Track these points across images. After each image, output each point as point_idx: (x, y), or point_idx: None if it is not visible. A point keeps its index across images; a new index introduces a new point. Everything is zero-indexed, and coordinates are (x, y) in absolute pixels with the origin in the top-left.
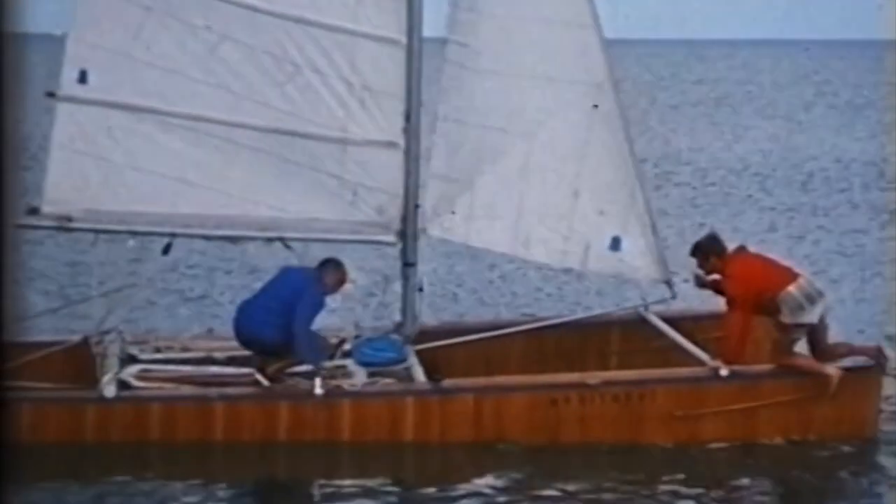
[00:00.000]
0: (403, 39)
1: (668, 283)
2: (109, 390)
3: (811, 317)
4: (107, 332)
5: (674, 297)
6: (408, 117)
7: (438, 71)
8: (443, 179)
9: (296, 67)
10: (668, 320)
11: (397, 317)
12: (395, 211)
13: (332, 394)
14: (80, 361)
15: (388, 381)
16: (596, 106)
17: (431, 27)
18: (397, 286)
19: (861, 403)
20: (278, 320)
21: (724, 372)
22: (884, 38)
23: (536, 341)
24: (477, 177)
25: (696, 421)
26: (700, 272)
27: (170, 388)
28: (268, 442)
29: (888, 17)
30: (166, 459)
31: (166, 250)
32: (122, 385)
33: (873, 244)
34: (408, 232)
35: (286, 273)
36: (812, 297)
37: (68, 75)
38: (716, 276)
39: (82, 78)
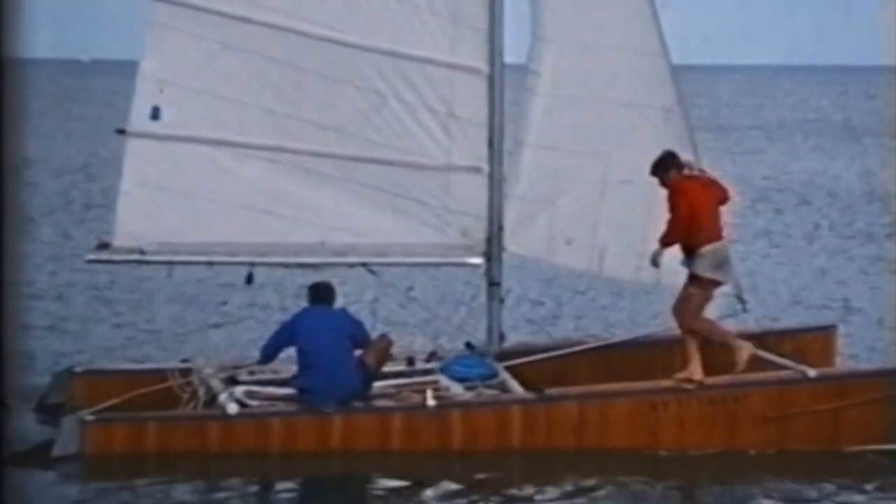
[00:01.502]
0: (486, 68)
1: (740, 297)
2: (231, 408)
3: (726, 278)
4: (186, 360)
5: (745, 310)
6: (491, 143)
7: (518, 97)
8: (522, 200)
9: (380, 97)
10: None
11: (467, 336)
12: (479, 233)
13: (444, 405)
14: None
15: (491, 392)
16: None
17: (514, 54)
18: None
19: None
20: (352, 364)
21: (812, 374)
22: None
23: (604, 358)
24: (556, 198)
25: (785, 422)
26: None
27: (284, 405)
28: (382, 451)
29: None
30: (286, 468)
31: (249, 280)
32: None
33: None
34: (492, 253)
35: (323, 319)
36: (730, 260)
37: (140, 111)
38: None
39: (155, 114)
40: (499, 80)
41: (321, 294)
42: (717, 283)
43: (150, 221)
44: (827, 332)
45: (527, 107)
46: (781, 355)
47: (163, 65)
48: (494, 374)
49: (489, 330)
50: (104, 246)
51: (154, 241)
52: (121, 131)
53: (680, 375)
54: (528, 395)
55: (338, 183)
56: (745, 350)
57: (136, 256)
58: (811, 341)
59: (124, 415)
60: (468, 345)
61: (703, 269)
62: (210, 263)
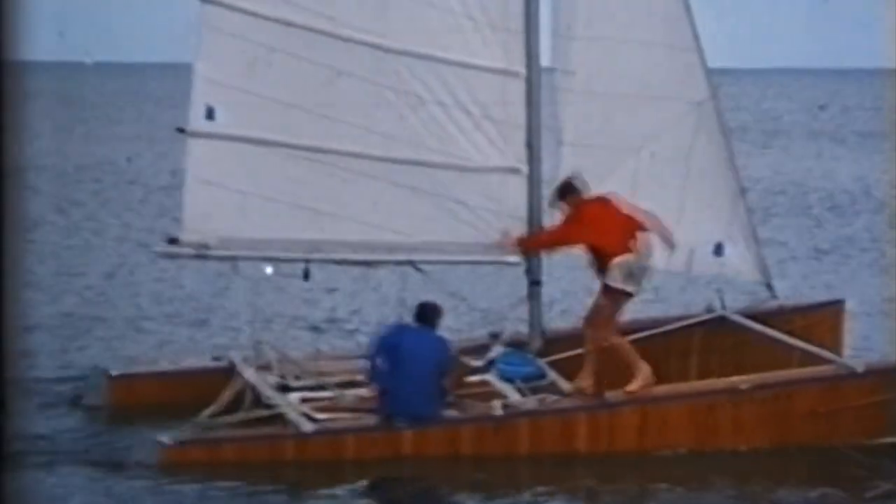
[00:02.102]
0: (523, 71)
1: (769, 286)
2: (307, 426)
3: (637, 289)
4: (218, 358)
5: (774, 297)
6: (529, 144)
7: (552, 98)
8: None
9: (419, 100)
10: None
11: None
12: (520, 233)
13: (511, 414)
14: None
15: (552, 397)
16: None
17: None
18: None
19: None
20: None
21: (860, 369)
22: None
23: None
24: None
25: (836, 417)
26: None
27: (348, 418)
28: (452, 461)
29: None
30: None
31: (306, 275)
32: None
33: None
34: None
35: (423, 342)
36: (644, 272)
37: (196, 112)
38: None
39: (209, 114)
40: (536, 83)
41: (427, 315)
42: (628, 295)
43: (212, 217)
44: (836, 307)
45: (562, 107)
46: (791, 333)
47: (213, 66)
48: (542, 375)
49: (531, 327)
50: (173, 241)
51: (217, 237)
52: (181, 130)
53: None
54: (591, 402)
55: (380, 184)
56: (645, 373)
57: (202, 251)
58: (820, 319)
59: (199, 437)
60: (493, 335)
61: (614, 281)
62: (267, 259)
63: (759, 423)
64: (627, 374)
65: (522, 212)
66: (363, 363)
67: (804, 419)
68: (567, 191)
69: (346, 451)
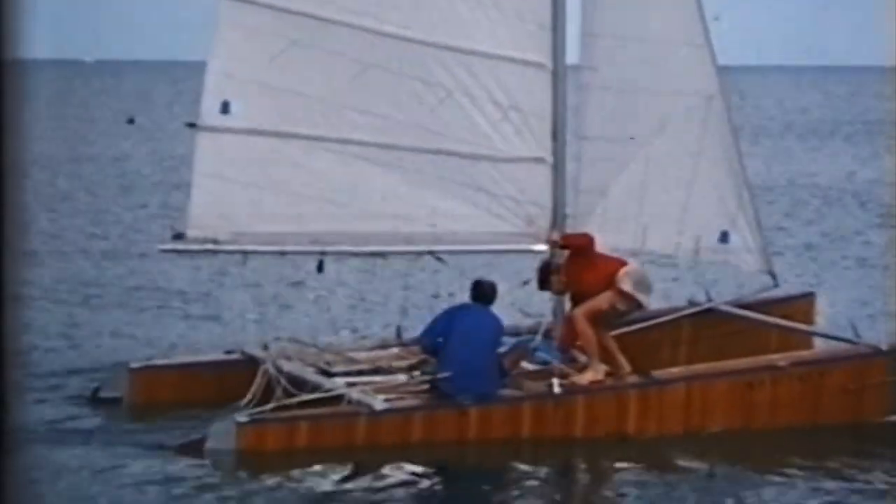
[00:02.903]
0: (549, 63)
1: (772, 273)
2: (378, 404)
3: (647, 300)
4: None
5: (776, 285)
6: (554, 135)
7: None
8: (585, 191)
9: (447, 91)
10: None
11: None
12: (544, 222)
13: (569, 391)
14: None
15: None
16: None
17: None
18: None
19: None
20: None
21: (884, 346)
22: None
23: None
24: (609, 184)
25: (862, 394)
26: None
27: (407, 399)
28: (513, 438)
29: None
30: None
31: (320, 268)
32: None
33: None
34: None
35: (481, 319)
36: (651, 285)
37: (210, 106)
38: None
39: (225, 109)
40: (562, 75)
41: (484, 293)
42: (637, 303)
43: (223, 212)
44: (808, 299)
45: (584, 101)
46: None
47: (231, 60)
48: (574, 359)
49: (554, 314)
50: (179, 236)
51: (228, 231)
52: (191, 125)
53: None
54: (641, 379)
55: (404, 173)
56: (598, 371)
57: (210, 246)
58: (796, 309)
59: (276, 415)
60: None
61: (626, 285)
62: (282, 253)
63: (795, 401)
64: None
65: (547, 200)
66: (422, 344)
67: (835, 395)
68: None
69: (414, 430)
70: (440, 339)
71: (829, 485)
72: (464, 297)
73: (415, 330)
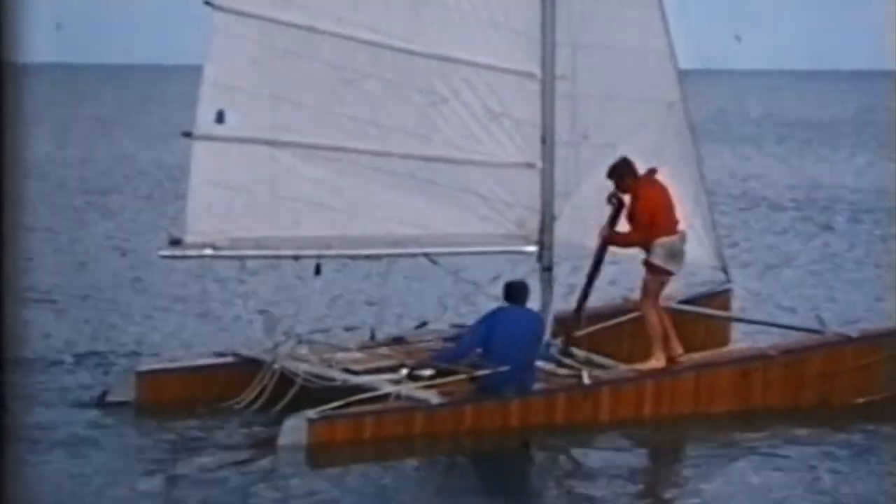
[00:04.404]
0: (538, 72)
1: (725, 270)
2: (434, 399)
3: (678, 269)
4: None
5: (730, 281)
6: (543, 140)
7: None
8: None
9: (441, 99)
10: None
11: None
12: (533, 224)
13: (597, 382)
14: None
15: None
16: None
17: None
18: None
19: None
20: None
21: (854, 335)
22: None
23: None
24: (579, 186)
25: (834, 379)
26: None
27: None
28: (549, 426)
29: None
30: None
31: (317, 271)
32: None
33: None
34: (545, 241)
35: (519, 320)
36: (683, 253)
37: (205, 115)
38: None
39: (220, 118)
40: (549, 83)
41: (517, 293)
42: (669, 273)
43: (220, 218)
44: (727, 294)
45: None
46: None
47: (226, 70)
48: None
49: (543, 310)
50: (176, 242)
51: (225, 237)
52: (187, 134)
53: (646, 364)
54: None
55: (400, 179)
56: (658, 362)
57: (209, 251)
58: (716, 304)
59: (344, 411)
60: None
61: (657, 259)
62: (278, 257)
63: (781, 385)
64: (647, 351)
65: (536, 203)
66: (463, 355)
67: (813, 380)
68: (625, 172)
69: (464, 421)
70: (479, 349)
71: (806, 454)
72: (457, 297)
73: (400, 330)
